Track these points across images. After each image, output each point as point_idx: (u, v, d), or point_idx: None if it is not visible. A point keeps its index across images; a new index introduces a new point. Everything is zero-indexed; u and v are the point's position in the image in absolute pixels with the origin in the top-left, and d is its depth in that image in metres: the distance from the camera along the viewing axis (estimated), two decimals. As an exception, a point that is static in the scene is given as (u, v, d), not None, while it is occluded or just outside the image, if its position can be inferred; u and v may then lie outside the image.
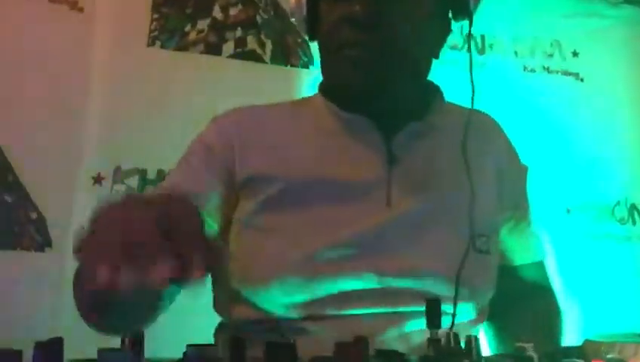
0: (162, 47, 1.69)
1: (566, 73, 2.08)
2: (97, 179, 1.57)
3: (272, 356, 0.46)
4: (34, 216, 1.51)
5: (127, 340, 0.49)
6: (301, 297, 0.79)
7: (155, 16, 1.68)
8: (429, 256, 0.82)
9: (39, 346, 0.44)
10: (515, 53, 2.05)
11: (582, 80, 2.08)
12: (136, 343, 0.50)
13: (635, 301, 1.92)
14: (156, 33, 1.69)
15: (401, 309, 0.80)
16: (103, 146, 1.59)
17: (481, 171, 0.88)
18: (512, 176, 0.96)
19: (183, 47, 1.70)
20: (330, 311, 0.79)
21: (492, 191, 0.91)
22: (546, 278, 0.99)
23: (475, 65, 1.59)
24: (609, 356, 0.38)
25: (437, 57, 0.91)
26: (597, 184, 2.03)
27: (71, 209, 1.52)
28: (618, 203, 2.06)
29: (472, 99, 0.87)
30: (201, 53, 1.72)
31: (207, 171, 0.87)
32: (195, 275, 0.45)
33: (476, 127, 0.88)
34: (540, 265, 0.99)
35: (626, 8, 2.18)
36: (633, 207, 2.07)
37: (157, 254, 0.44)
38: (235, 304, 0.85)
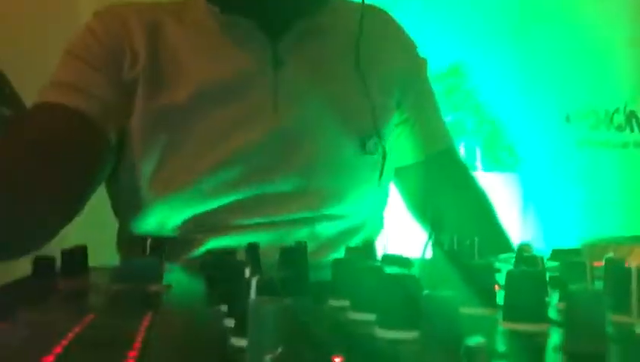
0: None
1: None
2: None
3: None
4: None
5: (148, 246, 0.50)
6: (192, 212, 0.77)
7: None
8: (318, 160, 0.80)
9: (66, 253, 0.45)
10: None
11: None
12: (158, 248, 0.51)
13: (630, 206, 1.96)
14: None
15: (299, 215, 0.79)
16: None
17: (373, 71, 0.85)
18: (409, 72, 0.91)
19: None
20: (231, 222, 0.78)
21: (386, 91, 0.87)
22: (461, 163, 0.97)
23: None
24: (607, 255, 0.39)
25: None
26: (596, 90, 2.01)
27: None
28: (617, 110, 2.04)
29: None
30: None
31: (98, 73, 0.79)
32: None
33: (369, 24, 0.84)
34: (451, 151, 0.95)
35: None
36: (632, 113, 2.06)
37: None
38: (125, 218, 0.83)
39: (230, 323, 0.32)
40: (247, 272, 0.31)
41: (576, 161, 1.95)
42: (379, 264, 0.41)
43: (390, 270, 0.39)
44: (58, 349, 0.26)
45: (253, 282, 0.27)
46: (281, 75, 0.80)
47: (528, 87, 1.94)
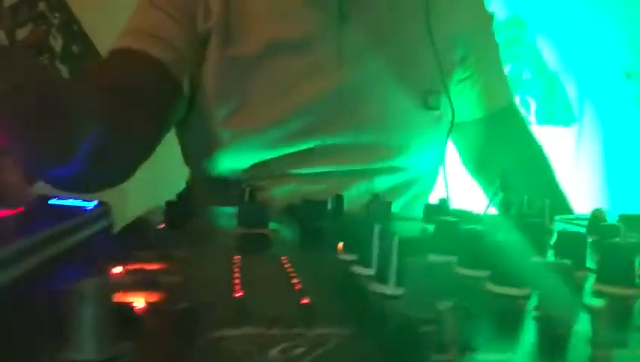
0: None
1: None
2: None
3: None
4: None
5: (247, 193, 0.55)
6: (262, 157, 0.81)
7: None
8: (380, 115, 0.83)
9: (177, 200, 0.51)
10: None
11: None
12: (254, 194, 0.56)
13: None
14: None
15: (354, 166, 0.83)
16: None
17: (440, 28, 0.86)
18: (475, 29, 0.92)
19: None
20: (292, 170, 0.82)
21: (451, 48, 0.88)
22: (521, 119, 0.98)
23: None
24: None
25: None
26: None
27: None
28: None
29: None
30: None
31: (178, 25, 0.81)
32: None
33: None
34: (512, 108, 0.96)
35: None
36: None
37: None
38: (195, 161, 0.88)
39: (361, 270, 0.38)
40: (376, 228, 0.36)
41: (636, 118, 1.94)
42: (473, 225, 0.46)
43: (487, 232, 0.43)
44: (238, 286, 0.32)
45: (395, 241, 0.32)
46: (346, 31, 0.82)
47: (589, 42, 1.90)
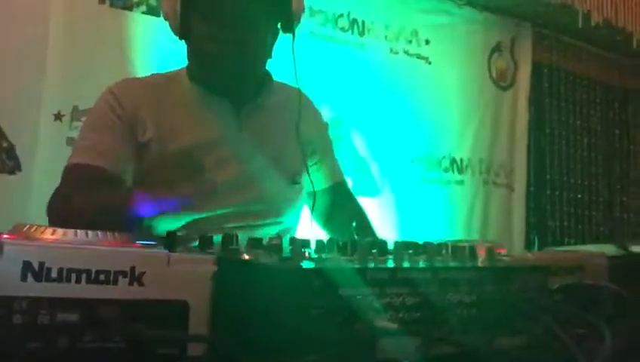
0: (111, 5, 2.00)
1: (419, 56, 2.74)
2: (58, 116, 1.90)
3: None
4: (5, 144, 1.81)
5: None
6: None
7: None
8: (267, 190, 1.25)
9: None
10: (385, 37, 2.64)
11: (430, 63, 2.76)
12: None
13: (453, 228, 2.74)
14: (106, -8, 2.00)
15: (252, 223, 1.24)
16: (62, 89, 1.91)
17: (302, 131, 1.31)
18: (318, 133, 1.40)
19: (128, 7, 2.04)
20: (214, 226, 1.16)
21: (306, 145, 1.32)
22: (349, 190, 1.49)
23: (356, 45, 2.28)
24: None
25: (271, 56, 1.26)
26: (431, 142, 2.77)
27: (36, 140, 1.85)
28: (444, 157, 2.82)
29: (296, 78, 1.25)
30: (143, 13, 2.07)
31: (120, 139, 1.16)
32: None
33: (294, 101, 1.28)
34: (344, 183, 1.47)
35: (467, 9, 2.87)
36: (453, 160, 2.86)
37: None
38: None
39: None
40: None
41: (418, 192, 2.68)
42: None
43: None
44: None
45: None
46: (243, 136, 1.28)
47: (386, 134, 2.61)
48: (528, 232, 3.09)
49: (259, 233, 1.27)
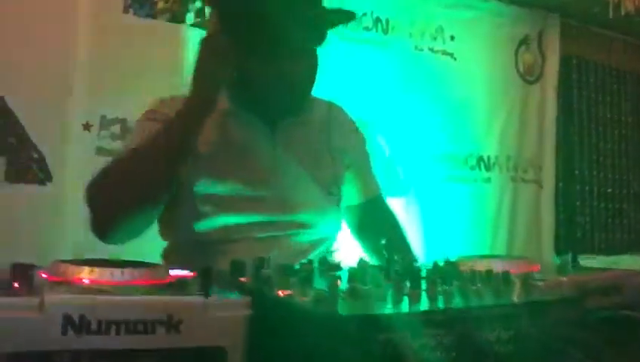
0: (135, 14, 2.02)
1: (444, 53, 2.70)
2: (86, 126, 1.92)
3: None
4: (35, 155, 1.84)
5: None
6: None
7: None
8: (305, 199, 1.29)
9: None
10: (410, 34, 2.61)
11: (455, 59, 2.72)
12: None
13: (480, 227, 2.71)
14: (130, 2, 2.01)
15: (288, 232, 1.27)
16: (89, 99, 1.93)
17: (334, 147, 1.36)
18: (355, 147, 1.42)
19: (152, 15, 2.05)
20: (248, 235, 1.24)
21: (341, 159, 1.37)
22: (385, 205, 1.48)
23: (380, 43, 2.26)
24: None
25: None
26: (457, 140, 2.74)
27: (66, 150, 1.88)
28: (470, 154, 2.79)
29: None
30: (168, 21, 2.08)
31: None
32: None
33: (331, 116, 1.37)
34: (380, 198, 1.47)
35: (493, 3, 2.82)
36: (480, 158, 2.82)
37: None
38: (178, 228, 1.26)
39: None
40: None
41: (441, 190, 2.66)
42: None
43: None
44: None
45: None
46: (279, 152, 1.30)
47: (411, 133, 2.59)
48: (557, 228, 3.05)
49: (293, 241, 1.30)
